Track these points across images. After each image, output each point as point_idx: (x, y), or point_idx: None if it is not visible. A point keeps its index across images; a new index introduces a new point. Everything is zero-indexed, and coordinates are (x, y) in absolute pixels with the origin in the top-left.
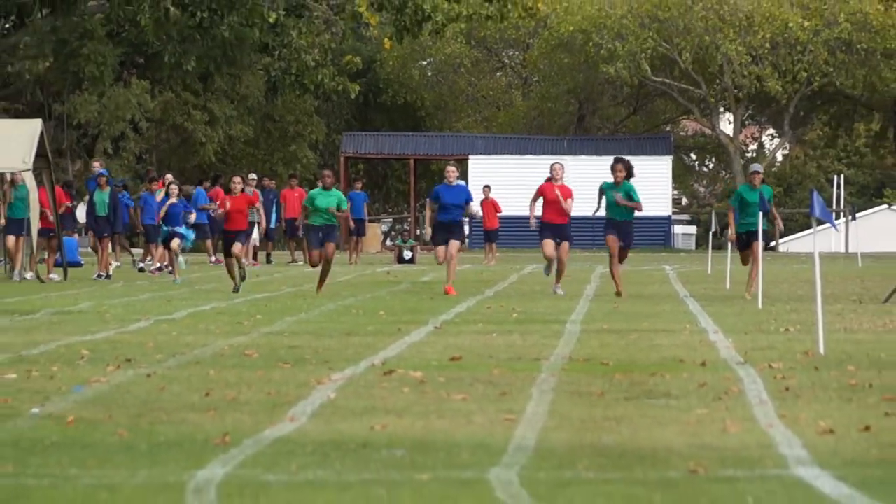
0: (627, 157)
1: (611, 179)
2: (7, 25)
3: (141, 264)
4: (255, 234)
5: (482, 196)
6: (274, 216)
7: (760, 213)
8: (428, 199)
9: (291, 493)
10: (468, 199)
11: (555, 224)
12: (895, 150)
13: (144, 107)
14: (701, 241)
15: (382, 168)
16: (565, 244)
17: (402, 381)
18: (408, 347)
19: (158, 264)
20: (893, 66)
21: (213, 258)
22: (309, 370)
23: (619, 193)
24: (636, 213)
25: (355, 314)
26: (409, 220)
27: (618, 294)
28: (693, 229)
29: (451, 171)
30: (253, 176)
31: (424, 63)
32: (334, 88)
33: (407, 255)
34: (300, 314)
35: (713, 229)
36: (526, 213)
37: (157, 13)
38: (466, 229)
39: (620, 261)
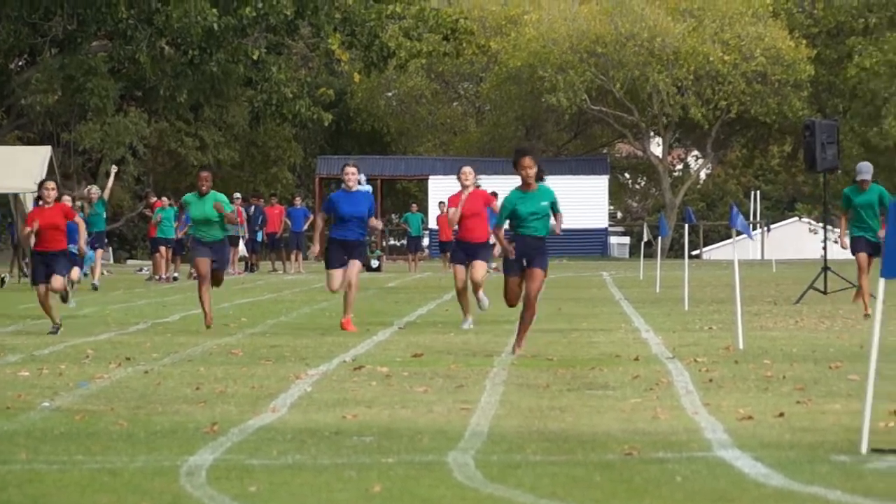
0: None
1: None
2: (20, 63)
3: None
4: (241, 246)
5: (439, 212)
6: (260, 232)
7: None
8: (319, 212)
9: (272, 476)
10: (371, 208)
11: (467, 243)
12: (805, 169)
13: (142, 134)
14: (634, 251)
15: None
16: (477, 263)
17: (371, 376)
18: (375, 346)
19: (167, 274)
20: (801, 96)
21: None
22: (288, 366)
23: (540, 210)
24: (562, 227)
25: (328, 317)
26: (376, 233)
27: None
28: (627, 240)
29: (351, 172)
30: (238, 195)
31: (389, 94)
32: (310, 117)
33: (374, 263)
34: (280, 317)
35: (644, 239)
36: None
37: (153, 52)
38: (426, 241)
39: (532, 290)
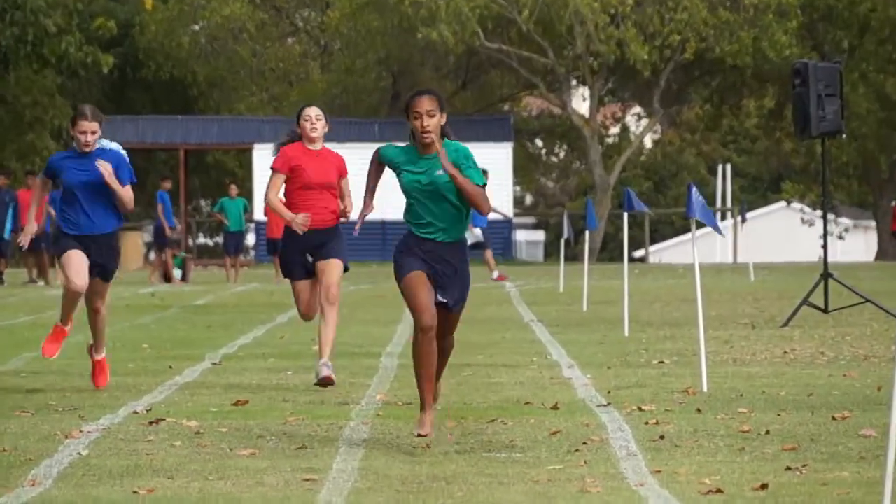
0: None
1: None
2: None
3: None
4: None
5: None
6: (9, 224)
7: None
8: (37, 178)
9: None
10: (130, 177)
11: (310, 231)
12: (795, 134)
13: None
14: (550, 251)
15: (144, 161)
16: (333, 268)
17: (173, 433)
18: (179, 389)
19: None
20: (789, 28)
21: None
22: (54, 420)
23: (438, 181)
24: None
25: (111, 348)
26: (180, 227)
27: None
28: (541, 235)
29: (85, 127)
30: None
31: (196, 28)
32: (82, 60)
33: (177, 273)
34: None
35: (566, 235)
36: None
37: None
38: (251, 239)
39: (449, 335)
